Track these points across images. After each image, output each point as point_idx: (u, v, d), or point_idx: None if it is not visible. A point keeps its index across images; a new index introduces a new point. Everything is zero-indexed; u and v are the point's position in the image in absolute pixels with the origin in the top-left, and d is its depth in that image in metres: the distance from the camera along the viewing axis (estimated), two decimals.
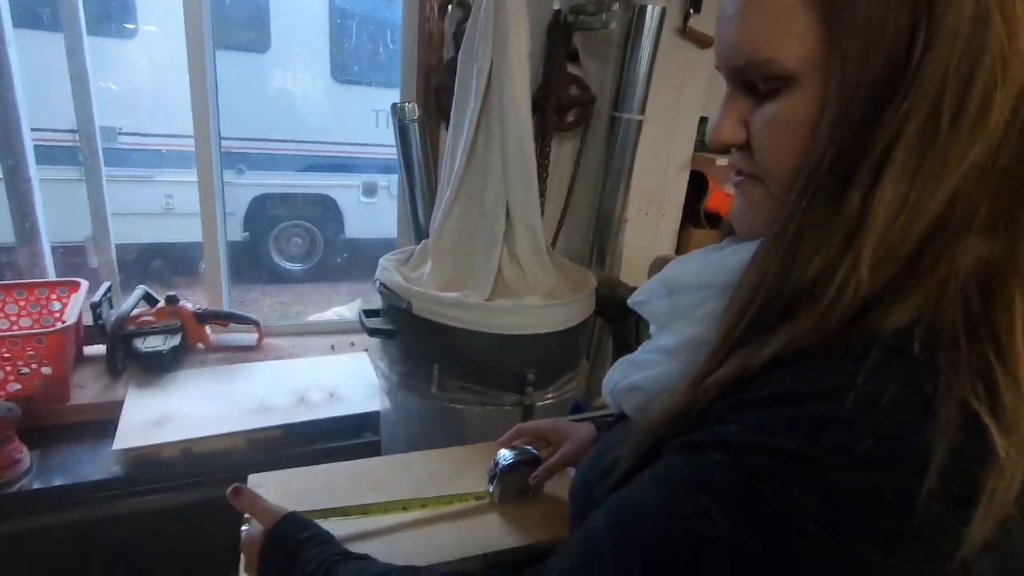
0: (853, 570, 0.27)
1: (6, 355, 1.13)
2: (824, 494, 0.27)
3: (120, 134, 3.17)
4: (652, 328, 0.48)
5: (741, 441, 0.31)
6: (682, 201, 1.69)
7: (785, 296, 0.33)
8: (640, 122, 1.49)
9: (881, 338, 0.29)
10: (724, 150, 0.40)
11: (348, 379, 1.42)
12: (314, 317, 2.17)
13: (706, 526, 0.31)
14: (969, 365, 0.28)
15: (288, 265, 3.92)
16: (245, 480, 0.78)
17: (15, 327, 1.30)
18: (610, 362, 1.59)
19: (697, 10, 1.50)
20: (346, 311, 1.95)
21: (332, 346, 1.59)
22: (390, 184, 3.84)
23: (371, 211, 3.93)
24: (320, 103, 3.62)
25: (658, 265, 1.30)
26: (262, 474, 0.80)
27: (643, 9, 1.39)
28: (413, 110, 1.35)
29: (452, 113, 1.16)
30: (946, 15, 0.28)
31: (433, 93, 1.47)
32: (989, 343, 0.28)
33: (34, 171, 1.56)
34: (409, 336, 1.08)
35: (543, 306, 1.03)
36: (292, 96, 3.55)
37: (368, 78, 3.62)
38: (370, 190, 3.87)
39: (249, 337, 1.54)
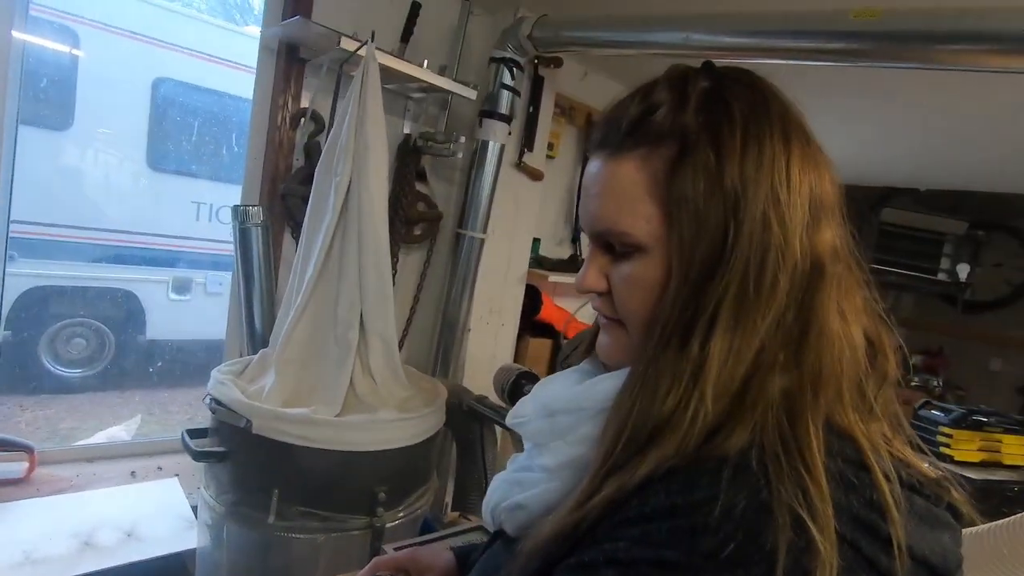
0: None
1: None
2: None
3: None
4: (528, 446, 0.51)
5: (629, 556, 0.35)
6: (519, 312, 1.82)
7: (650, 424, 0.38)
8: (482, 240, 1.62)
9: (730, 457, 0.36)
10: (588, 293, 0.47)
11: (152, 513, 1.21)
12: (99, 437, 1.82)
13: None
14: (789, 478, 0.34)
15: (62, 371, 3.28)
16: None
17: None
18: (453, 472, 1.58)
19: (530, 149, 1.73)
20: (122, 431, 1.67)
21: (133, 473, 1.34)
22: (207, 281, 3.52)
23: (182, 310, 3.53)
24: (129, 190, 3.28)
25: (502, 376, 1.37)
26: None
27: (485, 144, 1.57)
28: (258, 214, 1.31)
29: (306, 222, 1.15)
30: (744, 221, 0.39)
31: (279, 199, 1.45)
32: (799, 458, 0.36)
33: None
34: (245, 458, 0.98)
35: (397, 420, 1.02)
36: (93, 180, 3.17)
37: (190, 169, 3.40)
38: (182, 287, 3.50)
39: (13, 468, 1.24)
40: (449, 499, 1.54)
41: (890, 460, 0.38)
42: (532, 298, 1.85)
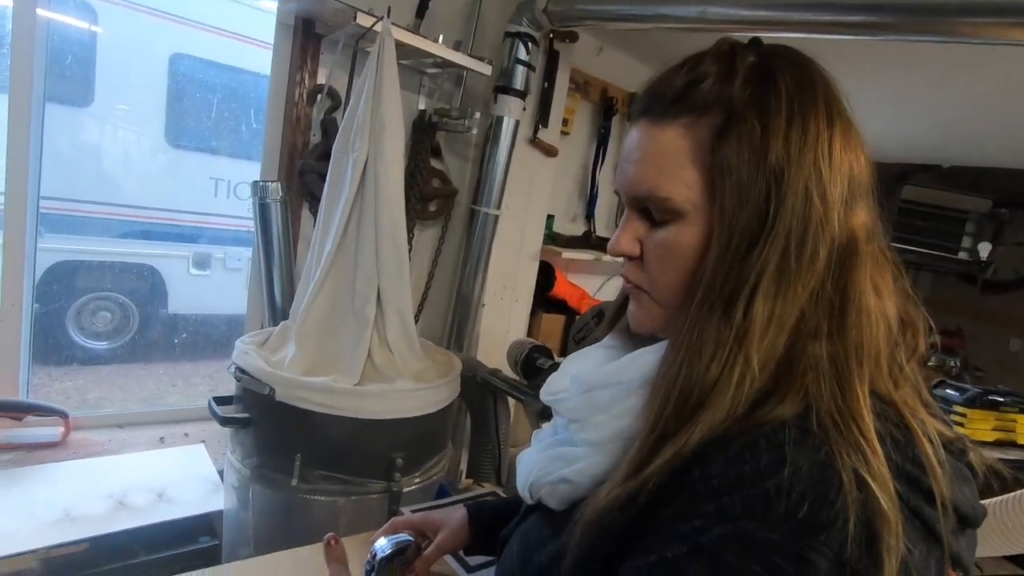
0: None
1: None
2: (790, 559, 0.33)
3: None
4: (561, 422, 0.52)
5: (709, 538, 0.35)
6: (533, 288, 1.84)
7: (697, 390, 0.39)
8: (496, 216, 1.64)
9: (787, 422, 0.37)
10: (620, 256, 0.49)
11: (181, 476, 1.27)
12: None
13: None
14: (847, 441, 0.36)
15: (90, 343, 3.38)
16: None
17: None
18: (467, 443, 1.62)
19: (545, 125, 1.73)
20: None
21: (161, 438, 1.40)
22: (226, 257, 3.58)
23: (202, 284, 3.60)
24: (149, 166, 3.33)
25: (515, 350, 1.40)
26: None
27: (500, 119, 1.57)
28: (276, 190, 1.34)
29: (324, 198, 1.18)
30: (787, 194, 0.40)
31: (297, 174, 1.48)
32: (853, 422, 0.37)
33: None
34: (269, 424, 1.02)
35: (414, 390, 1.05)
36: (113, 156, 3.22)
37: (209, 146, 3.43)
38: (202, 262, 3.57)
39: (50, 432, 1.31)
40: (463, 468, 1.59)
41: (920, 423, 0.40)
42: (546, 274, 1.87)
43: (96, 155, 3.13)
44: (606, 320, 0.57)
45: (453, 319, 1.71)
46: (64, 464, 1.23)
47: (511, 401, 1.62)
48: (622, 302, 0.56)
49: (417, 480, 1.11)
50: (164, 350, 3.51)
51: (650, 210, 0.45)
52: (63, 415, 1.30)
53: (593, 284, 2.01)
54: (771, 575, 0.33)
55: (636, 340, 0.52)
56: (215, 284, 3.52)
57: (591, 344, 1.15)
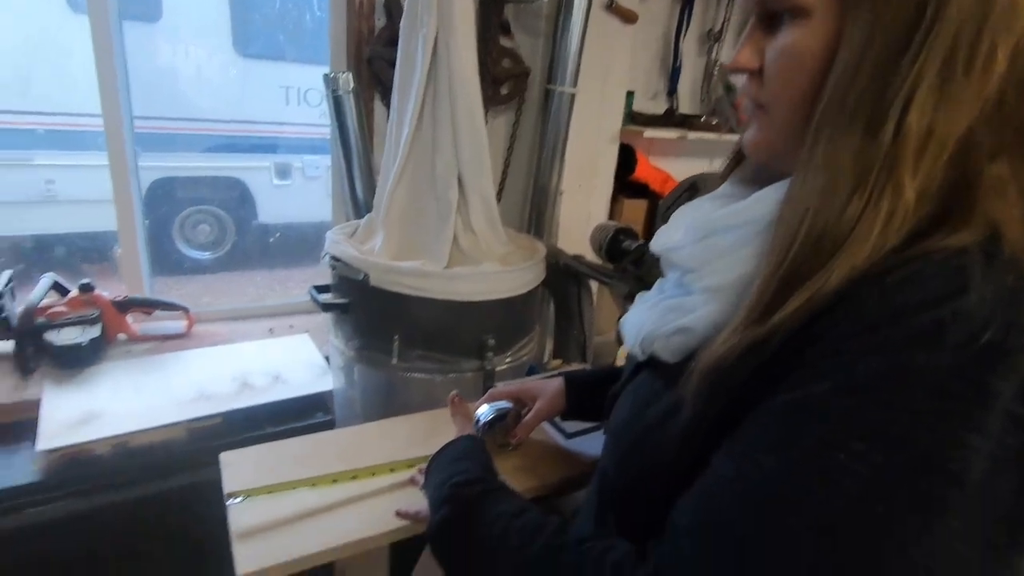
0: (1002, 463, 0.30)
1: None
2: (966, 384, 0.30)
3: None
4: (674, 275, 0.49)
5: (867, 373, 0.32)
6: (613, 172, 1.76)
7: (832, 227, 0.35)
8: (573, 95, 1.54)
9: (968, 249, 0.32)
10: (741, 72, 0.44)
11: (292, 361, 1.38)
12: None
13: (868, 469, 0.31)
14: None
15: (196, 254, 3.66)
16: (215, 461, 0.76)
17: None
18: (551, 330, 1.64)
19: None
20: None
21: (271, 330, 1.52)
22: (304, 166, 3.67)
23: (285, 194, 3.74)
24: (221, 79, 3.38)
25: (599, 232, 1.36)
26: (233, 452, 0.77)
27: None
28: (348, 80, 1.31)
29: (396, 83, 1.14)
30: None
31: (366, 64, 1.43)
32: None
33: None
34: (366, 309, 1.07)
35: (501, 272, 1.06)
36: (188, 71, 3.28)
37: (275, 52, 3.41)
38: (284, 172, 3.68)
39: (176, 325, 1.45)
40: (547, 356, 1.62)
41: None
42: (626, 157, 1.77)
43: (171, 71, 3.20)
44: (722, 171, 0.53)
45: (531, 208, 1.68)
46: (191, 352, 1.37)
47: (594, 288, 1.61)
48: (737, 150, 0.52)
49: (508, 360, 1.14)
50: (259, 258, 3.75)
51: (772, 16, 0.40)
52: (185, 310, 1.43)
53: (677, 167, 1.89)
54: (942, 402, 0.30)
55: (755, 189, 0.47)
56: (297, 193, 3.66)
57: None
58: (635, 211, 1.79)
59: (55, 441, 1.03)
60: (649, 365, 0.51)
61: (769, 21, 0.41)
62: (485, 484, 0.55)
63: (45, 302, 1.25)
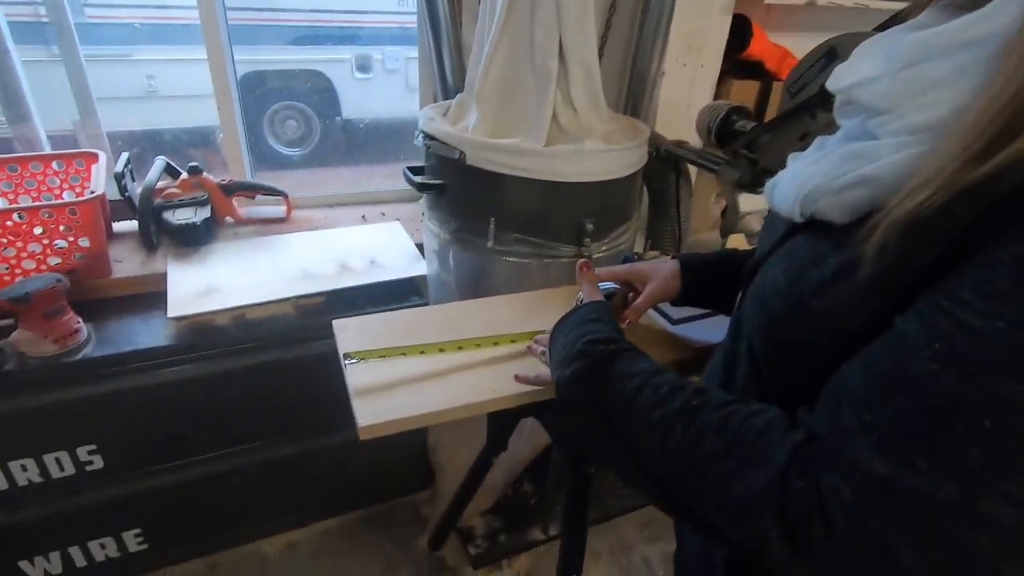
0: None
1: (39, 229, 1.09)
2: None
3: (86, 6, 2.87)
4: (852, 121, 0.42)
5: None
6: (723, 49, 1.57)
7: None
8: None
9: None
10: None
11: (386, 247, 1.40)
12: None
13: None
14: None
15: (284, 150, 3.76)
16: (328, 328, 0.79)
17: (39, 201, 1.25)
18: (643, 224, 1.56)
19: None
20: None
21: (363, 217, 1.55)
22: (384, 58, 3.59)
23: (367, 88, 3.70)
24: None
25: (708, 113, 1.23)
26: (345, 319, 0.79)
27: None
28: None
29: None
30: None
31: None
32: None
33: (11, 43, 1.41)
34: (462, 189, 1.04)
35: (604, 151, 0.99)
36: None
37: None
38: (364, 65, 3.62)
39: (277, 210, 1.50)
40: (642, 248, 1.56)
41: None
42: (739, 31, 1.57)
43: None
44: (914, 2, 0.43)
45: (628, 91, 1.55)
46: (292, 235, 1.42)
47: (694, 178, 1.50)
48: None
49: (604, 247, 1.10)
50: (343, 155, 3.80)
51: None
52: (285, 195, 1.47)
53: (799, 42, 1.66)
54: None
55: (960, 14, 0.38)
56: (378, 87, 3.61)
57: (815, 98, 0.94)
58: (745, 93, 1.61)
59: (183, 310, 1.12)
60: (808, 227, 0.45)
61: None
62: (620, 344, 0.53)
63: (160, 184, 1.32)
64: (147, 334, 1.13)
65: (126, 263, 1.26)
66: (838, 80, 0.44)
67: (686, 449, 0.42)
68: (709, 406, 0.43)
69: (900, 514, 0.32)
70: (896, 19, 1.07)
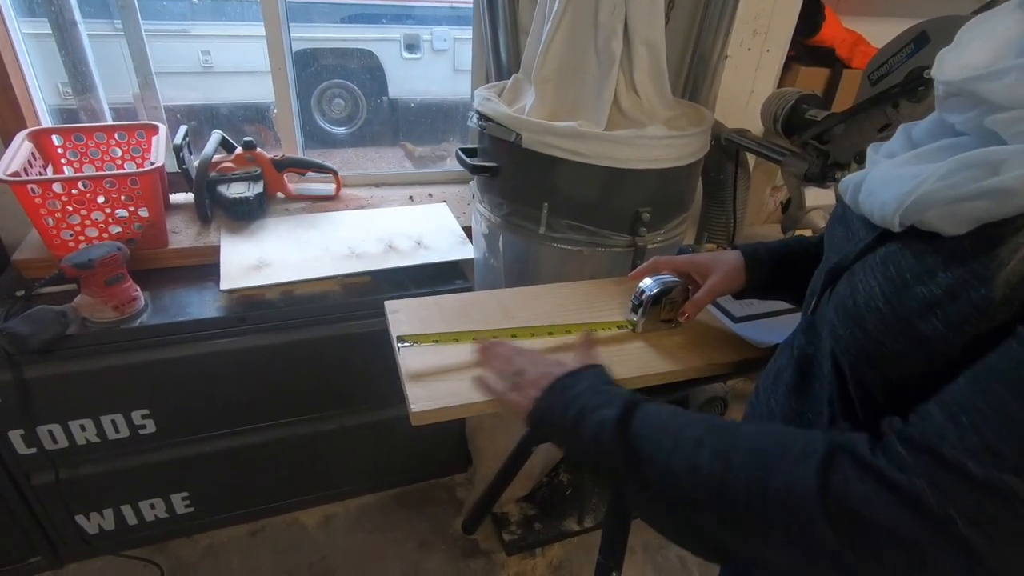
0: None
1: (101, 198, 1.12)
2: None
3: None
4: (960, 116, 0.38)
5: None
6: (791, 32, 1.49)
7: None
8: None
9: None
10: None
11: (432, 229, 1.39)
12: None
13: None
14: None
15: (332, 128, 3.80)
16: (379, 307, 0.78)
17: (102, 171, 1.28)
18: (701, 210, 1.50)
19: None
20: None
21: (411, 197, 1.54)
22: (433, 38, 3.56)
23: (415, 68, 3.69)
24: None
25: (776, 100, 1.17)
26: (397, 300, 0.78)
27: None
28: None
29: None
30: None
31: None
32: None
33: (79, 15, 1.45)
34: (516, 172, 1.02)
35: (667, 137, 0.94)
36: None
37: None
38: (413, 45, 3.60)
39: (326, 187, 1.51)
40: (696, 239, 1.51)
41: None
42: (811, 14, 1.48)
43: None
44: None
45: (688, 76, 1.49)
46: (340, 213, 1.43)
47: (752, 166, 1.44)
48: None
49: (660, 238, 1.06)
50: (391, 135, 3.81)
51: None
52: (334, 172, 1.48)
53: (874, 28, 1.56)
54: None
55: None
56: (425, 67, 3.59)
57: (899, 87, 0.88)
58: (813, 82, 1.53)
59: (235, 283, 1.14)
60: (903, 238, 0.41)
61: None
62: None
63: (215, 158, 1.34)
64: (200, 305, 1.15)
65: (182, 234, 1.29)
66: (948, 69, 0.39)
67: (721, 458, 0.41)
68: (744, 427, 0.42)
69: (987, 515, 0.31)
70: (995, 2, 0.99)
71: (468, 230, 1.36)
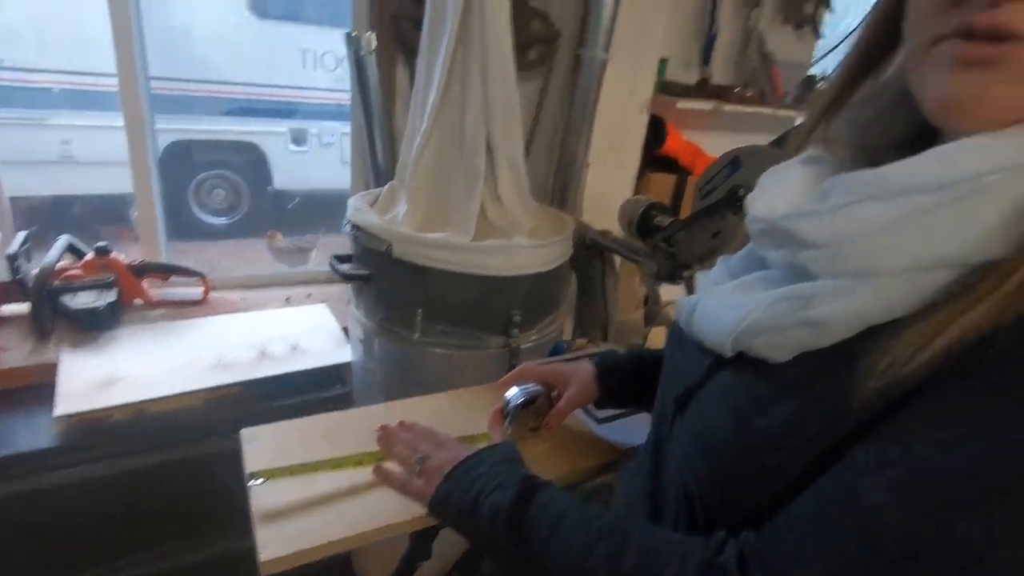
0: None
1: None
2: None
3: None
4: (777, 255, 0.41)
5: None
6: (642, 145, 1.69)
7: None
8: (605, 61, 1.46)
9: None
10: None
11: (310, 331, 1.35)
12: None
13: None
14: None
15: (210, 219, 3.64)
16: (235, 436, 0.73)
17: None
18: (573, 309, 1.60)
19: None
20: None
21: (287, 298, 1.49)
22: (320, 132, 3.62)
23: (301, 161, 3.69)
24: (238, 40, 3.30)
25: (629, 207, 1.30)
26: (255, 428, 0.74)
27: None
28: (371, 40, 1.25)
29: (423, 43, 1.08)
30: None
31: (389, 23, 1.37)
32: None
33: None
34: (389, 280, 1.03)
35: (531, 246, 1.01)
36: (203, 32, 3.20)
37: (292, 13, 3.32)
38: (300, 138, 3.63)
39: (193, 291, 1.42)
40: (569, 335, 1.58)
41: None
42: (655, 129, 1.69)
43: (187, 31, 3.12)
44: (806, 127, 0.46)
45: (555, 181, 1.62)
46: (209, 319, 1.35)
47: (618, 264, 1.56)
48: (831, 100, 0.45)
49: (534, 337, 1.11)
50: (275, 225, 3.71)
51: None
52: (202, 276, 1.40)
53: (709, 141, 1.81)
54: None
55: (854, 157, 0.42)
56: (313, 160, 3.60)
57: (723, 201, 1.00)
58: (662, 186, 1.72)
59: (73, 406, 1.02)
60: (735, 364, 0.43)
61: None
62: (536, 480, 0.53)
63: (61, 264, 1.23)
64: (29, 434, 1.02)
65: (12, 352, 1.14)
66: (761, 209, 0.43)
67: (605, 562, 0.43)
68: (631, 530, 0.44)
69: None
70: (782, 140, 1.18)
71: (349, 331, 1.34)
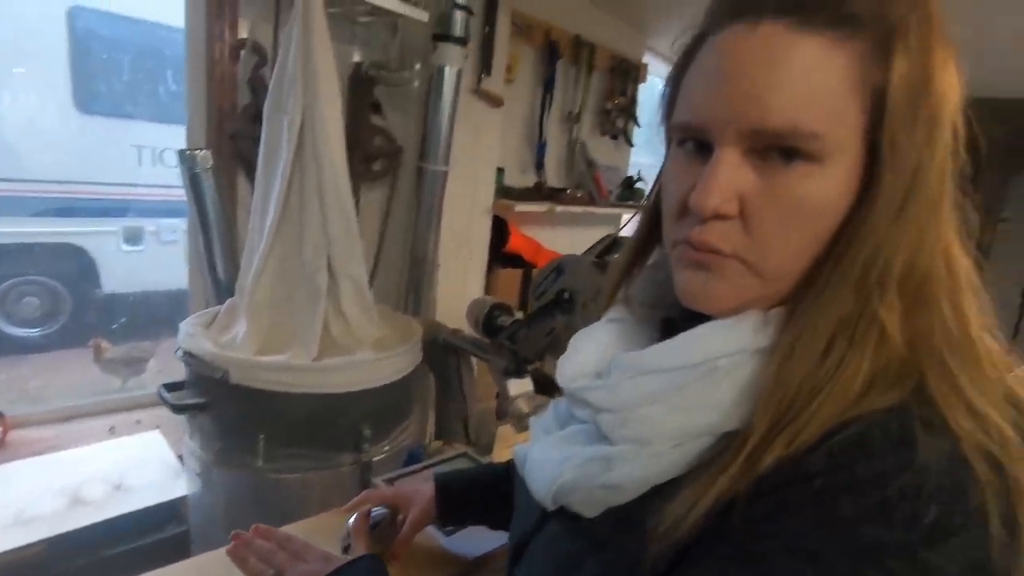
0: None
1: None
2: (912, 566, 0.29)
3: None
4: (583, 413, 0.43)
5: (815, 544, 0.30)
6: (487, 244, 1.82)
7: (812, 383, 0.33)
8: (445, 172, 1.59)
9: (904, 407, 0.32)
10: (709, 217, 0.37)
11: (138, 465, 1.22)
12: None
13: None
14: (974, 423, 0.31)
15: (19, 331, 3.17)
16: None
17: None
18: (434, 405, 1.62)
19: (488, 73, 1.66)
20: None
21: (111, 428, 1.34)
22: (160, 230, 3.38)
23: (137, 260, 3.40)
24: (59, 135, 3.05)
25: (475, 308, 1.39)
26: None
27: (441, 69, 1.50)
28: (206, 158, 1.25)
29: (260, 163, 1.11)
30: (939, 137, 0.34)
31: (228, 140, 1.38)
32: (973, 397, 0.32)
33: None
34: (226, 408, 0.98)
35: (376, 360, 1.03)
36: (16, 126, 2.93)
37: (123, 111, 3.16)
38: (134, 237, 3.35)
39: None
40: (431, 430, 1.59)
41: None
42: (499, 229, 1.84)
43: None
44: (608, 290, 0.51)
45: (409, 282, 1.68)
46: (6, 466, 1.16)
47: (474, 361, 1.62)
48: (627, 265, 0.50)
49: (386, 448, 1.11)
50: (103, 333, 3.32)
51: (767, 151, 0.34)
52: None
53: (547, 236, 2.00)
54: None
55: (651, 313, 0.47)
56: (151, 259, 3.33)
57: (553, 303, 1.11)
58: (510, 281, 1.86)
59: None
60: (559, 516, 0.44)
61: (759, 157, 0.35)
62: None
63: None
64: None
65: None
66: (565, 377, 0.46)
67: None
68: None
69: None
70: (603, 247, 1.32)
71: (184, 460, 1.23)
